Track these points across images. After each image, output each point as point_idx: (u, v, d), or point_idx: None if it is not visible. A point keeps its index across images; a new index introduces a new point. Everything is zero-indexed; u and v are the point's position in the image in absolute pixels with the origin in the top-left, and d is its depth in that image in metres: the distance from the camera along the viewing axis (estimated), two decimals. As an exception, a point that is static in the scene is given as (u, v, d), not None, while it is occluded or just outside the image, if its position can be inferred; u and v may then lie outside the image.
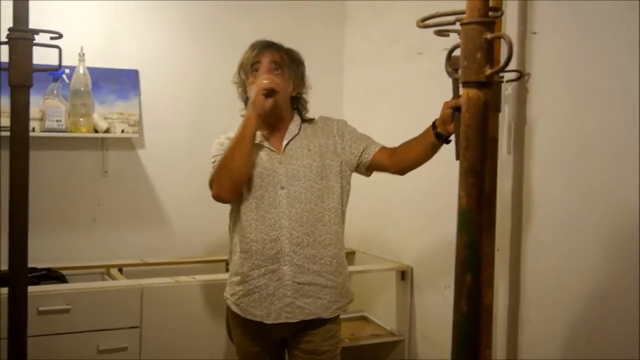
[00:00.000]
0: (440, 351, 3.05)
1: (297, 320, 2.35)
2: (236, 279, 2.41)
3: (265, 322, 2.35)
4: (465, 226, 1.39)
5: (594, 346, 2.23)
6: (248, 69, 2.41)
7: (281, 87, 2.37)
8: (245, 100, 2.47)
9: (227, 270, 2.67)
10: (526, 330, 2.53)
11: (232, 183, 2.34)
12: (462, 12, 1.49)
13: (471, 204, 1.37)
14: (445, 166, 2.37)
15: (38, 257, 2.92)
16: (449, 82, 2.09)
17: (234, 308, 2.43)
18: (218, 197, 2.36)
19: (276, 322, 2.35)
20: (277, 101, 2.36)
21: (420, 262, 3.29)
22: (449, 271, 2.73)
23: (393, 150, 2.45)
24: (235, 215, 2.43)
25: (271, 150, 2.41)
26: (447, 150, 2.33)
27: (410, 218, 3.36)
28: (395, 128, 3.21)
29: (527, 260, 2.54)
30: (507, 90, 2.61)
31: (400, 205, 3.42)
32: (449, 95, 2.15)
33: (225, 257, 2.59)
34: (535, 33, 2.51)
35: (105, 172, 3.49)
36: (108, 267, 3.37)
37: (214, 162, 2.41)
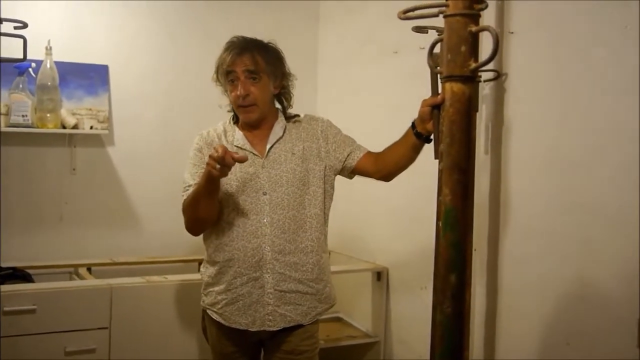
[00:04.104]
0: (416, 353, 3.02)
1: (279, 328, 2.32)
2: (218, 288, 2.35)
3: (250, 329, 2.32)
4: (450, 225, 1.35)
5: (573, 347, 2.21)
6: (223, 75, 2.34)
7: (259, 98, 2.32)
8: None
9: (199, 270, 2.61)
10: (504, 331, 2.51)
11: (201, 228, 2.37)
12: (445, 5, 1.45)
13: (456, 201, 1.34)
14: (422, 166, 2.34)
15: (3, 256, 2.86)
16: (424, 81, 2.05)
17: (216, 317, 2.38)
18: (189, 232, 2.38)
19: (260, 329, 2.32)
20: (259, 110, 2.34)
21: (396, 263, 3.26)
22: (425, 272, 2.71)
23: (377, 156, 2.42)
24: None
25: (254, 154, 2.35)
26: (424, 150, 2.30)
27: (386, 218, 3.33)
28: (371, 127, 3.17)
29: (504, 261, 2.51)
30: (485, 90, 2.58)
31: (376, 206, 3.39)
32: (425, 94, 2.11)
33: (198, 257, 2.53)
34: (512, 33, 2.48)
35: (74, 169, 3.42)
36: (76, 266, 3.31)
37: (188, 178, 2.36)
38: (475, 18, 1.39)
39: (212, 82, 2.42)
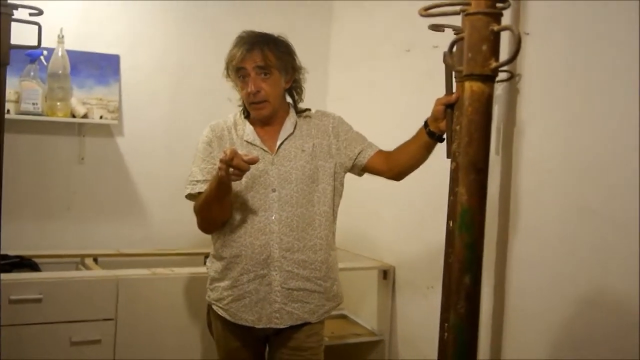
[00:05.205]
0: (421, 352, 3.00)
1: (286, 326, 2.31)
2: (224, 283, 2.34)
3: (257, 326, 2.30)
4: (466, 225, 1.34)
5: (581, 352, 2.18)
6: (233, 71, 2.32)
7: (271, 94, 2.31)
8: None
9: (205, 263, 2.60)
10: (511, 333, 2.48)
11: (214, 228, 2.36)
12: (468, 3, 1.44)
13: (472, 202, 1.32)
14: (432, 165, 2.32)
15: (10, 244, 2.83)
16: (437, 79, 2.03)
17: (221, 313, 2.36)
18: (202, 232, 2.38)
19: (267, 326, 2.30)
20: (270, 106, 2.32)
21: (403, 262, 3.24)
22: (432, 271, 2.69)
23: (388, 154, 2.40)
24: None
25: (264, 150, 2.34)
26: (435, 148, 2.28)
27: (394, 217, 3.32)
28: (382, 126, 3.16)
29: (512, 262, 2.49)
30: (497, 90, 2.55)
31: (383, 203, 3.37)
32: (437, 93, 2.10)
33: (205, 251, 2.53)
34: (527, 34, 2.46)
35: (82, 158, 3.41)
36: (83, 256, 3.30)
37: (196, 172, 2.36)
38: (497, 17, 1.37)
39: (223, 77, 2.41)
